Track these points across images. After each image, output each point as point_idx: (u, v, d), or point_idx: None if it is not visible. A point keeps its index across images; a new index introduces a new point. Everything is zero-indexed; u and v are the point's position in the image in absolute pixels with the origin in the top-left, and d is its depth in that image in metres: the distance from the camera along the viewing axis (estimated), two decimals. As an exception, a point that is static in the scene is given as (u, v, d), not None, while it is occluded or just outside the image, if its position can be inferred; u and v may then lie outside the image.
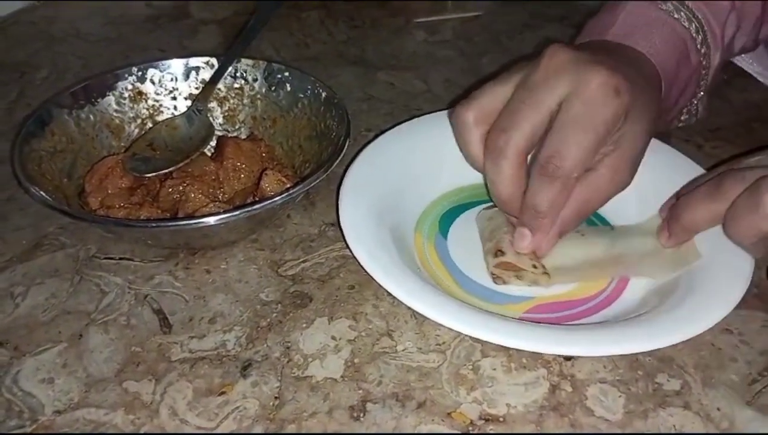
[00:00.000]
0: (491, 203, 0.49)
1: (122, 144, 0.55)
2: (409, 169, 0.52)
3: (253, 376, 0.41)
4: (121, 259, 0.48)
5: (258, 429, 0.38)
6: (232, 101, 0.57)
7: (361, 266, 0.43)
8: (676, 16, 0.51)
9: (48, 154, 0.50)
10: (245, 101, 0.57)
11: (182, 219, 0.47)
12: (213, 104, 0.57)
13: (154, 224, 0.46)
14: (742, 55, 0.64)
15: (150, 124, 0.56)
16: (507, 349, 0.42)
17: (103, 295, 0.46)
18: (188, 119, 0.55)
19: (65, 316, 0.44)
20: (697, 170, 0.51)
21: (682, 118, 0.57)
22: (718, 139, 0.61)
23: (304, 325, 0.44)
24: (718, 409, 0.39)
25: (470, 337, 0.42)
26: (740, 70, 0.67)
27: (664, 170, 0.51)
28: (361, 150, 0.52)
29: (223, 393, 0.40)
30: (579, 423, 0.39)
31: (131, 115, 0.56)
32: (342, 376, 0.41)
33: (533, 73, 0.43)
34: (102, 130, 0.54)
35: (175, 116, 0.56)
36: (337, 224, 0.47)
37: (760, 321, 0.44)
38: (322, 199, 0.54)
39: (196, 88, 0.57)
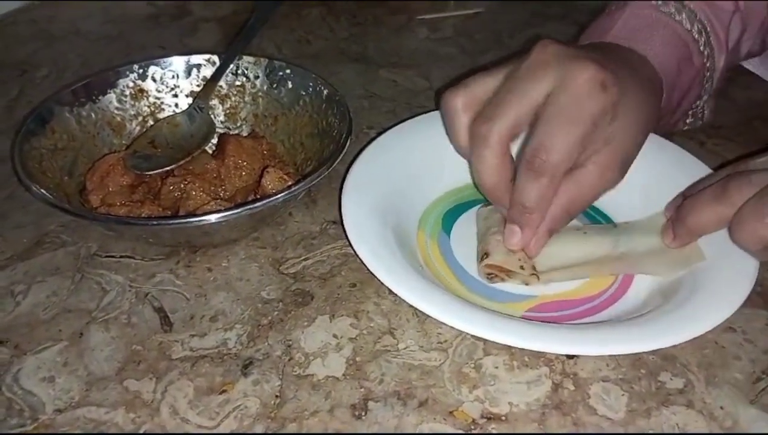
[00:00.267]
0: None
1: (123, 142, 0.55)
2: (412, 167, 0.52)
3: (254, 375, 0.41)
4: (122, 257, 0.48)
5: (259, 428, 0.38)
6: (233, 99, 0.57)
7: (363, 264, 0.43)
8: (677, 18, 0.51)
9: (49, 152, 0.50)
10: (247, 99, 0.57)
11: (183, 217, 0.47)
12: (214, 102, 0.57)
13: (155, 222, 0.46)
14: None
15: (151, 122, 0.56)
16: (509, 347, 0.41)
17: (104, 293, 0.46)
18: (189, 117, 0.55)
19: (66, 315, 0.44)
20: (699, 167, 0.51)
21: (688, 121, 0.57)
22: (721, 136, 0.60)
23: (306, 324, 0.44)
24: (722, 407, 0.39)
25: (472, 335, 0.42)
26: (743, 68, 0.67)
27: (667, 167, 0.51)
28: (363, 148, 0.52)
29: (224, 391, 0.40)
30: (581, 421, 0.38)
31: (132, 112, 0.56)
32: (343, 375, 0.41)
33: (522, 65, 0.44)
34: (103, 128, 0.54)
35: (176, 114, 0.56)
36: (339, 222, 0.46)
37: (764, 319, 0.44)
38: (324, 197, 0.53)
39: (198, 86, 0.57)
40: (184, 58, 0.57)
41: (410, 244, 0.48)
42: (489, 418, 0.38)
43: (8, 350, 0.42)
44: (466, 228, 0.50)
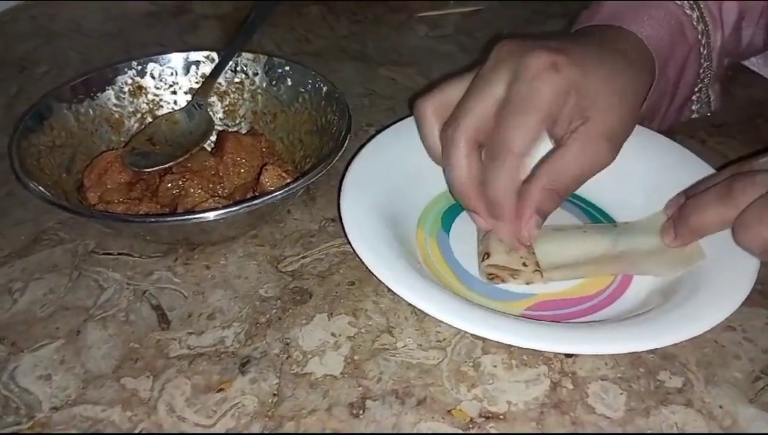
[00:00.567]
0: None
1: (122, 139, 0.55)
2: (411, 165, 0.52)
3: (251, 373, 0.40)
4: (119, 254, 0.48)
5: (256, 426, 0.38)
6: (232, 96, 0.57)
7: (362, 262, 0.42)
8: None
9: (47, 149, 0.50)
10: (246, 96, 0.57)
11: (181, 214, 0.47)
12: (213, 99, 0.57)
13: (153, 219, 0.46)
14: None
15: (150, 119, 0.56)
16: (508, 346, 0.41)
17: (102, 290, 0.45)
18: (188, 114, 0.55)
19: (63, 312, 0.44)
20: (701, 165, 0.50)
21: (694, 108, 0.57)
22: (722, 134, 0.60)
23: (304, 322, 0.43)
24: (721, 406, 0.39)
25: (471, 334, 0.42)
26: (744, 66, 0.66)
27: (668, 165, 0.51)
28: (362, 145, 0.52)
29: (221, 390, 0.39)
30: (580, 421, 0.38)
31: (131, 109, 0.56)
32: (341, 373, 0.40)
33: (484, 66, 0.45)
34: (101, 125, 0.54)
35: (175, 111, 0.56)
36: (338, 220, 0.46)
37: (764, 318, 0.44)
38: (323, 195, 0.53)
39: (197, 83, 0.57)
40: (183, 54, 0.57)
41: (409, 243, 0.48)
42: (487, 417, 0.38)
43: (5, 348, 0.42)
44: (465, 226, 0.50)
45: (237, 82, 0.57)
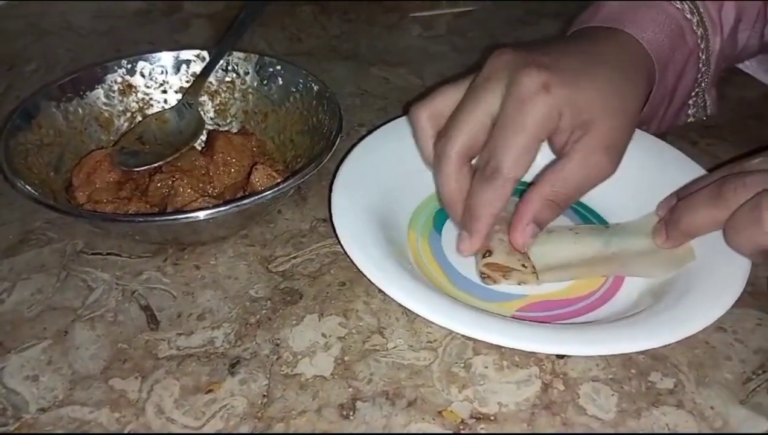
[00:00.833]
0: None
1: (111, 138, 0.54)
2: (403, 166, 0.51)
3: (241, 374, 0.40)
4: (108, 254, 0.48)
5: (245, 428, 0.37)
6: (223, 95, 0.57)
7: (353, 263, 0.42)
8: None
9: (35, 148, 0.49)
10: (236, 95, 0.57)
11: (171, 214, 0.46)
12: (204, 98, 0.57)
13: (141, 219, 0.46)
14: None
15: (139, 118, 0.56)
16: (499, 347, 0.41)
17: (90, 290, 0.45)
18: (178, 113, 0.54)
19: (51, 312, 0.44)
20: (692, 167, 0.50)
21: (690, 111, 0.57)
22: (713, 136, 0.60)
23: (294, 322, 0.43)
24: (712, 407, 0.39)
25: (462, 335, 0.41)
26: (736, 67, 0.66)
27: (660, 167, 0.51)
28: (353, 145, 0.51)
29: (210, 391, 0.39)
30: (571, 422, 0.38)
31: (120, 108, 0.55)
32: (332, 374, 0.40)
33: (478, 77, 0.45)
34: (90, 124, 0.54)
35: (165, 110, 0.55)
36: (329, 220, 0.46)
37: (754, 319, 0.44)
38: (314, 195, 0.53)
39: (187, 82, 0.56)
40: (173, 53, 0.56)
41: (400, 243, 0.48)
42: (478, 418, 0.38)
43: (-8, 348, 0.41)
44: (457, 227, 0.50)
45: (228, 81, 0.56)
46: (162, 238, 0.48)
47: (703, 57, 0.53)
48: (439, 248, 0.49)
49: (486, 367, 0.41)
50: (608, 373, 0.41)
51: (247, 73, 0.56)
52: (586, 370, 0.41)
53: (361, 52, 0.73)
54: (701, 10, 0.52)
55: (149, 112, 0.56)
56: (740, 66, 0.66)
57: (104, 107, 0.54)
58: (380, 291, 0.42)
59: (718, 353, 0.42)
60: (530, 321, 0.42)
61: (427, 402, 0.39)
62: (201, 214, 0.43)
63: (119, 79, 0.55)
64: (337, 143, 0.48)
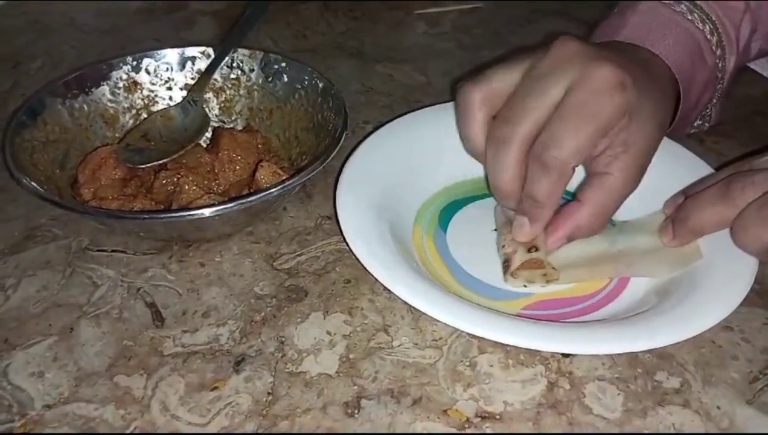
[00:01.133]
0: None
1: (116, 134, 0.54)
2: (408, 163, 0.51)
3: (246, 371, 0.40)
4: (113, 251, 0.48)
5: (250, 425, 0.37)
6: (228, 92, 0.57)
7: (358, 260, 0.42)
8: (689, 17, 0.50)
9: (40, 144, 0.49)
10: (242, 92, 0.57)
11: (176, 211, 0.46)
12: (209, 95, 0.57)
13: (147, 216, 0.45)
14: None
15: (145, 115, 0.56)
16: (504, 345, 0.41)
17: (95, 287, 0.45)
18: (183, 110, 0.54)
19: (56, 309, 0.44)
20: (698, 164, 0.50)
21: (695, 124, 0.57)
22: (720, 133, 0.60)
23: (299, 320, 0.43)
24: (718, 407, 0.39)
25: (467, 333, 0.41)
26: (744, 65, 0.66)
27: (667, 164, 0.50)
28: (359, 143, 0.51)
29: (215, 388, 0.39)
30: (577, 421, 0.38)
31: (126, 105, 0.55)
32: (336, 372, 0.40)
33: (541, 63, 0.43)
34: (96, 121, 0.54)
35: (170, 107, 0.55)
36: (334, 217, 0.46)
37: (761, 319, 0.44)
38: (319, 192, 0.53)
39: (192, 79, 0.56)
40: (179, 50, 0.56)
41: (406, 241, 0.48)
42: (483, 417, 0.38)
43: (-3, 345, 0.41)
44: (463, 224, 0.50)
45: (233, 78, 0.56)
46: (167, 235, 0.48)
47: (720, 76, 0.53)
48: (444, 246, 0.48)
49: (491, 366, 0.41)
50: (614, 372, 0.40)
51: (252, 70, 0.56)
52: (592, 369, 0.41)
53: (366, 49, 0.73)
54: (720, 29, 0.51)
55: (154, 109, 0.56)
56: (750, 64, 0.66)
57: (109, 104, 0.54)
58: (385, 289, 0.42)
59: (725, 352, 0.42)
60: (536, 319, 0.42)
61: (432, 400, 0.39)
62: (206, 211, 0.43)
63: (124, 76, 0.55)
64: (342, 140, 0.48)
